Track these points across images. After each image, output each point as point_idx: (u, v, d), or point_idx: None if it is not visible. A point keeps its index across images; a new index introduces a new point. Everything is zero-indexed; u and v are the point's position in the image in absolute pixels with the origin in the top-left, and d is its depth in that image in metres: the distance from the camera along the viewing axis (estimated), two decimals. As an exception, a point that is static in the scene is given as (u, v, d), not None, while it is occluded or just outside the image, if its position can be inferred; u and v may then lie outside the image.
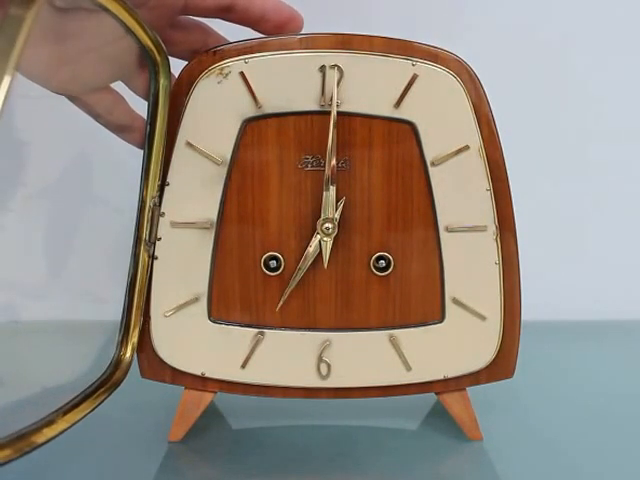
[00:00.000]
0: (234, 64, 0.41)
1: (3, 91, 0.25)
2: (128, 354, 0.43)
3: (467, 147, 0.42)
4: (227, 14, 0.43)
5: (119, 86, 0.44)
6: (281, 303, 0.43)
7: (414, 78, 0.41)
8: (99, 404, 0.41)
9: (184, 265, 0.43)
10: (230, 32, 0.44)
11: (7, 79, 0.25)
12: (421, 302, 0.44)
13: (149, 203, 0.43)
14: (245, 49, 0.42)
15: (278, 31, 0.43)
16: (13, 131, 0.67)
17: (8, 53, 0.26)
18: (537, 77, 0.73)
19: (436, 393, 0.46)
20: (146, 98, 0.43)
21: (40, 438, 0.36)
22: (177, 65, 0.43)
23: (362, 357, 0.44)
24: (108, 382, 0.42)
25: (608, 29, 0.73)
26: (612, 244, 0.75)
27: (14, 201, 0.69)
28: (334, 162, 0.41)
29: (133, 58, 0.42)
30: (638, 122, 0.74)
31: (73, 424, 0.38)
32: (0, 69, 0.25)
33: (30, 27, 0.27)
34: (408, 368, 0.44)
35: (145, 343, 0.44)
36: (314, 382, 0.44)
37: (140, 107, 0.44)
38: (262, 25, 0.43)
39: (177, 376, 0.45)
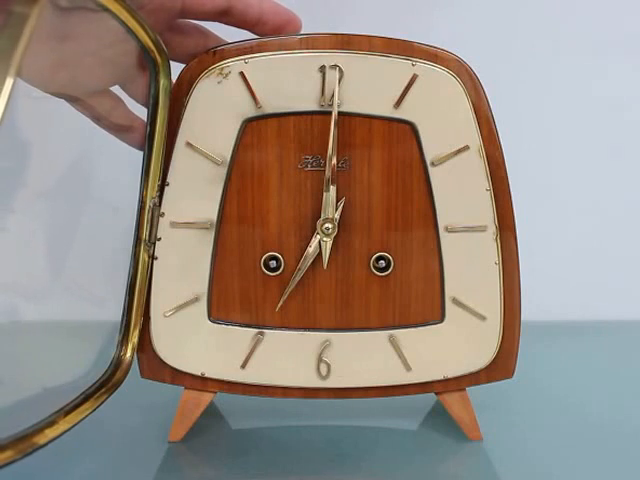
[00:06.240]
0: (234, 64, 0.41)
1: (6, 91, 0.25)
2: (128, 354, 0.43)
3: (467, 147, 0.42)
4: (225, 17, 0.43)
5: (118, 87, 0.44)
6: (281, 303, 0.43)
7: (414, 78, 0.41)
8: (100, 404, 0.41)
9: (184, 265, 0.43)
10: (229, 34, 0.44)
11: (10, 80, 0.25)
12: (421, 302, 0.44)
13: (149, 203, 0.43)
14: (245, 49, 0.42)
15: (276, 34, 0.43)
16: (14, 132, 0.67)
17: (11, 52, 0.25)
18: (537, 77, 0.73)
19: (436, 393, 0.46)
20: (144, 102, 0.43)
21: (42, 439, 0.36)
22: (176, 67, 0.43)
23: (362, 357, 0.44)
24: (109, 382, 0.42)
25: (609, 29, 0.73)
26: (613, 244, 0.75)
27: (15, 202, 0.69)
28: (334, 162, 0.41)
29: (132, 61, 0.42)
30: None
31: (74, 425, 0.38)
32: (3, 68, 0.25)
33: (34, 26, 0.26)
34: (408, 368, 0.44)
35: (145, 343, 0.44)
36: (314, 382, 0.44)
37: (139, 108, 0.44)
38: (260, 28, 0.43)
39: (177, 376, 0.45)
